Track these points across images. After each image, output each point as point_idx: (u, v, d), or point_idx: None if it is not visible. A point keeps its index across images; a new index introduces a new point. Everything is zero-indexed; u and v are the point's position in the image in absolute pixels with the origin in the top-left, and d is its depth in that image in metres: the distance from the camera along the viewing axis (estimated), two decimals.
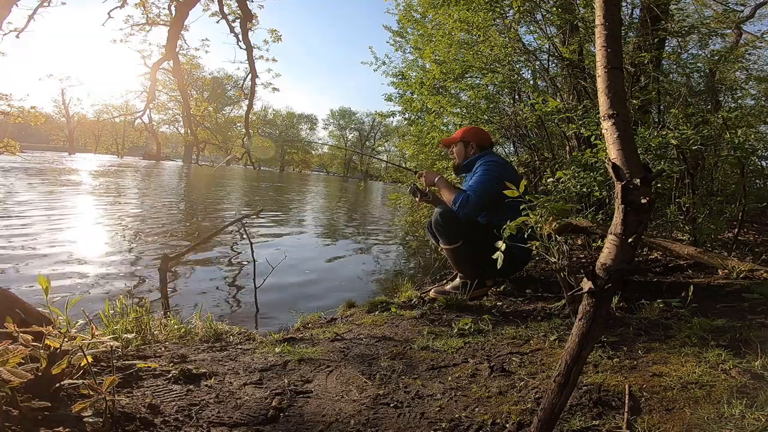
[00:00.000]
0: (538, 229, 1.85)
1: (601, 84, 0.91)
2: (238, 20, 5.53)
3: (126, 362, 1.42)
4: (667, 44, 4.39)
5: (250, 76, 5.91)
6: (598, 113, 0.93)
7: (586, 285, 0.86)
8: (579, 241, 3.67)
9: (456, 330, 1.90)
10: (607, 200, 3.40)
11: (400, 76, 6.40)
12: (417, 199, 2.81)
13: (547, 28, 4.59)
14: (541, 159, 4.73)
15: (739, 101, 4.83)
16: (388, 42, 6.75)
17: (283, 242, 5.43)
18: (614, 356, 1.55)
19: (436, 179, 2.63)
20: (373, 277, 4.00)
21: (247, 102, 6.36)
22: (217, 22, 5.77)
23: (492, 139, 2.86)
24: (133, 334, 1.62)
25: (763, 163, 4.30)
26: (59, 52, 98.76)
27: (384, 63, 6.69)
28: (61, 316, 1.39)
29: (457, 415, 1.21)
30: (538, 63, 4.66)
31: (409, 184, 3.02)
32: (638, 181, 0.80)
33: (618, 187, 0.81)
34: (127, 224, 5.80)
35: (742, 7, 5.43)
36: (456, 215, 2.45)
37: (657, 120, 4.04)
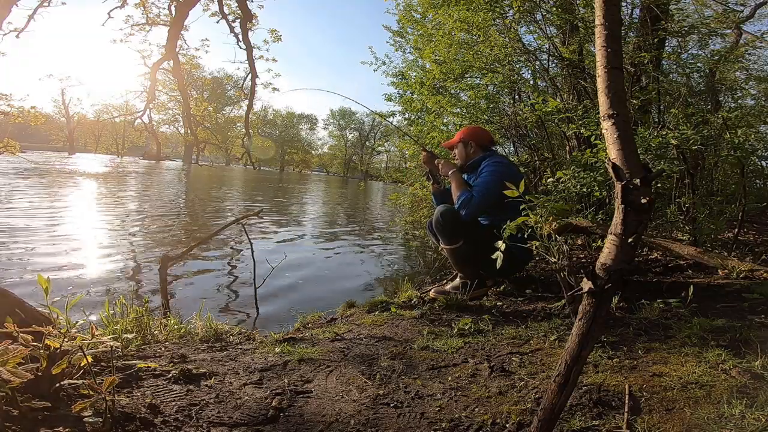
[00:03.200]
0: (538, 229, 1.85)
1: (601, 84, 0.91)
2: (238, 20, 5.53)
3: (126, 362, 1.42)
4: (667, 44, 4.39)
5: (250, 76, 5.91)
6: (598, 113, 0.93)
7: (586, 285, 0.85)
8: (579, 241, 3.67)
9: (456, 330, 1.90)
10: (607, 200, 3.40)
11: (400, 76, 6.40)
12: (430, 183, 2.84)
13: (547, 28, 4.59)
14: (541, 159, 4.73)
15: (739, 101, 4.83)
16: (388, 42, 6.77)
17: (283, 242, 5.43)
18: (614, 356, 1.55)
19: (450, 172, 2.63)
20: (373, 277, 4.00)
21: (247, 102, 6.36)
22: (217, 22, 5.76)
23: (492, 137, 2.85)
24: (133, 334, 1.62)
25: (763, 163, 4.30)
26: (59, 52, 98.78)
27: (384, 63, 6.70)
28: (61, 316, 1.39)
29: (457, 415, 1.21)
30: (538, 63, 4.66)
31: (423, 169, 3.06)
32: (638, 181, 0.80)
33: (618, 187, 0.81)
34: (127, 224, 5.80)
35: (742, 7, 5.43)
36: (458, 214, 2.46)
37: (657, 120, 4.04)
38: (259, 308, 2.76)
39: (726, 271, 2.47)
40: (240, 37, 5.50)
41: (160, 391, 1.28)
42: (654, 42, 3.81)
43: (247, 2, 5.19)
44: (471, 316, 2.09)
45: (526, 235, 1.97)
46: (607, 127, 0.89)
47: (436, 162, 2.75)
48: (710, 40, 4.19)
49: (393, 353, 1.67)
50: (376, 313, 2.24)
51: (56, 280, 2.97)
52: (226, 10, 5.66)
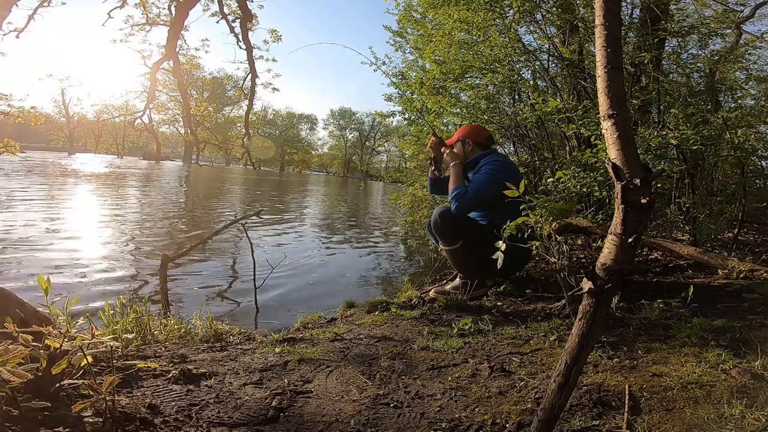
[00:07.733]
0: (538, 229, 1.85)
1: (601, 84, 0.91)
2: (238, 20, 5.52)
3: (126, 362, 1.41)
4: (667, 44, 4.38)
5: (250, 76, 5.90)
6: (598, 113, 0.93)
7: (586, 285, 0.85)
8: (579, 241, 3.67)
9: (456, 330, 1.90)
10: (607, 200, 3.40)
11: (400, 76, 6.40)
12: (431, 168, 2.88)
13: (547, 28, 4.59)
14: (541, 159, 4.73)
15: (739, 101, 4.81)
16: (388, 42, 6.76)
17: (283, 242, 5.43)
18: (614, 356, 1.55)
19: (453, 164, 2.65)
20: (373, 277, 4.00)
21: (247, 102, 6.35)
22: (217, 22, 5.75)
23: (489, 135, 2.86)
24: (133, 334, 1.62)
25: (763, 163, 4.29)
26: (59, 52, 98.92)
27: (384, 63, 6.69)
28: (61, 316, 1.39)
29: (457, 415, 1.21)
30: (538, 63, 4.65)
31: (428, 155, 3.09)
32: (638, 181, 0.80)
33: (618, 187, 0.81)
34: (127, 224, 5.80)
35: (742, 7, 5.43)
36: (452, 212, 2.46)
37: (657, 120, 4.03)
38: (259, 308, 2.76)
39: (726, 271, 2.47)
40: (240, 37, 5.49)
41: (160, 391, 1.28)
42: (654, 42, 3.80)
43: (247, 2, 5.18)
44: (471, 316, 2.09)
45: (526, 235, 1.97)
46: (607, 127, 0.89)
47: (442, 150, 2.77)
48: (710, 40, 4.18)
49: (393, 353, 1.66)
50: (376, 313, 2.24)
51: (56, 280, 2.97)
52: (226, 10, 5.65)
